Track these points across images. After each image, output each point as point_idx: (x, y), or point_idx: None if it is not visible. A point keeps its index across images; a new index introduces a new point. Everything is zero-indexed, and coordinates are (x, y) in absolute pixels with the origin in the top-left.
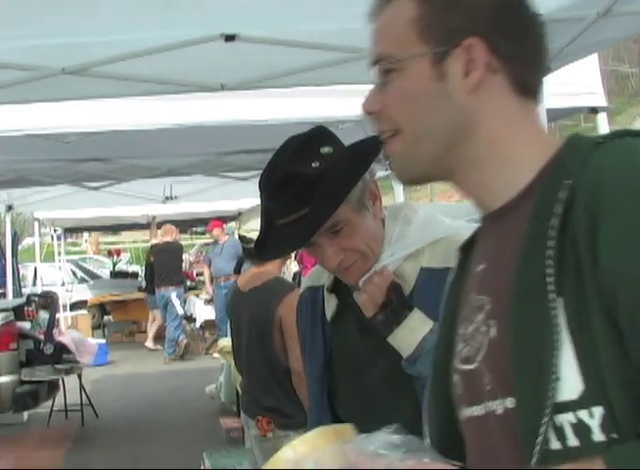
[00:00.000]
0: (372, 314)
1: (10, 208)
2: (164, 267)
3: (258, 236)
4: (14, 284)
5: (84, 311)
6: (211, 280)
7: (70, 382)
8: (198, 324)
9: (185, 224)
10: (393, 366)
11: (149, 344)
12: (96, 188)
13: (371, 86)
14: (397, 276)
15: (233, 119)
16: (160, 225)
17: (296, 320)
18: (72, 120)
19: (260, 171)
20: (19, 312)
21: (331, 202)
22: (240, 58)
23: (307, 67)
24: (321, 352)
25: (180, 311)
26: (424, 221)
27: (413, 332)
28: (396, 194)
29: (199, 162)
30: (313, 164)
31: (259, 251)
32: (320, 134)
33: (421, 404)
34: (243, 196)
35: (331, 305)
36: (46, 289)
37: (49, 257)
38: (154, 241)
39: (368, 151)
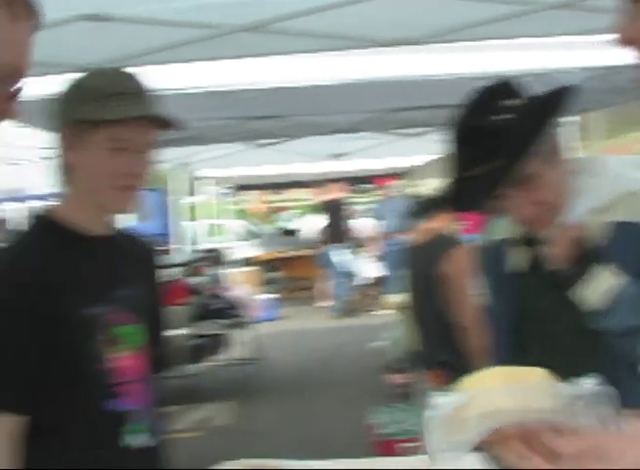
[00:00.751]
0: (561, 267)
1: (182, 165)
2: (332, 225)
3: (447, 189)
4: (182, 242)
5: (253, 268)
6: (379, 237)
7: (241, 336)
8: (364, 281)
9: (353, 182)
10: (579, 321)
11: (318, 300)
12: (267, 145)
13: (544, 40)
14: (587, 229)
15: (405, 75)
16: (328, 183)
17: (474, 274)
18: (249, 78)
19: (431, 128)
20: (189, 268)
21: (520, 154)
22: (414, 12)
23: (487, 20)
24: (511, 305)
25: (347, 268)
26: (615, 174)
27: (602, 285)
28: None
29: (369, 118)
30: (501, 117)
31: (450, 203)
32: (506, 86)
33: (605, 360)
34: (413, 153)
35: (518, 257)
36: (215, 246)
37: (218, 214)
38: (322, 198)
39: (556, 102)
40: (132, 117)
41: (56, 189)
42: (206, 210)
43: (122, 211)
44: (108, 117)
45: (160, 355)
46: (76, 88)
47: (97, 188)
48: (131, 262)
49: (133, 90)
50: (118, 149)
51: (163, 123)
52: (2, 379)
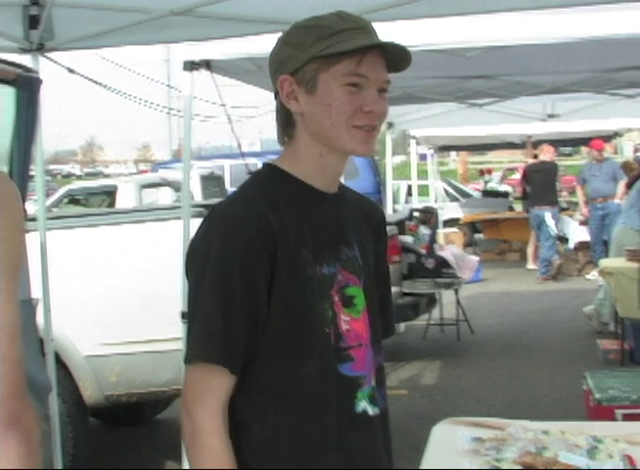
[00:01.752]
0: None
1: (390, 125)
2: (540, 187)
3: None
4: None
5: (456, 229)
6: (586, 201)
7: (446, 297)
8: (571, 245)
9: (563, 144)
10: None
11: (524, 263)
12: (478, 105)
13: None
14: None
15: (623, 33)
16: (535, 145)
17: None
18: (470, 36)
19: None
20: (401, 227)
21: None
22: None
23: None
24: None
25: (554, 232)
26: None
27: None
28: None
29: (584, 78)
30: None
31: None
32: None
33: None
34: (625, 115)
35: None
36: (429, 205)
37: (423, 174)
38: (530, 160)
39: None
40: (372, 45)
41: (268, 148)
42: (410, 170)
43: (362, 152)
44: (348, 47)
45: (385, 322)
46: (299, 31)
47: (333, 130)
48: (357, 222)
49: (364, 25)
50: (357, 85)
51: (398, 58)
52: (225, 334)
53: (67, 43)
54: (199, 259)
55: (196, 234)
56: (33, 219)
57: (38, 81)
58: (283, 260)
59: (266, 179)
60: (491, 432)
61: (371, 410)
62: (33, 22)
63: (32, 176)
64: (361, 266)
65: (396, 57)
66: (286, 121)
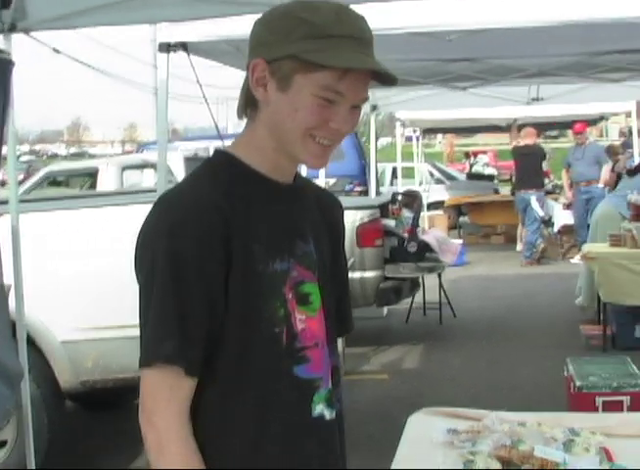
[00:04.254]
0: None
1: (374, 107)
2: (525, 170)
3: None
4: (372, 183)
5: (440, 212)
6: (570, 185)
7: (429, 280)
8: (556, 229)
9: (547, 127)
10: None
11: (508, 247)
12: (462, 88)
13: None
14: None
15: (608, 17)
16: (520, 128)
17: None
18: (452, 18)
19: (629, 74)
20: (383, 210)
21: None
22: None
23: None
24: None
25: (540, 215)
26: None
27: None
28: None
29: (569, 62)
30: None
31: None
32: None
33: None
34: (610, 99)
35: None
36: (413, 188)
37: (407, 157)
38: (514, 143)
39: None
40: (363, 69)
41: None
42: (396, 152)
43: (313, 167)
44: (334, 63)
45: (341, 319)
46: (289, 20)
47: (291, 135)
48: (314, 215)
49: (361, 34)
50: (329, 100)
51: (386, 80)
52: (172, 330)
53: (40, 23)
54: (147, 256)
55: (143, 226)
56: (5, 202)
57: (9, 63)
58: (235, 255)
59: (219, 167)
60: (467, 423)
61: (328, 414)
62: (4, 1)
63: (4, 158)
64: (316, 262)
65: (383, 76)
66: (248, 101)
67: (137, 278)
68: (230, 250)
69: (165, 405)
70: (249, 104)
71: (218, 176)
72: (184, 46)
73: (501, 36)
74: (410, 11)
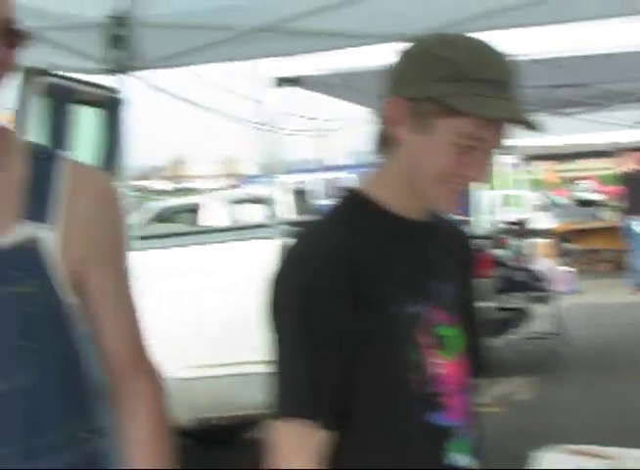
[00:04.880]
0: None
1: None
2: (633, 196)
3: None
4: (479, 212)
5: (547, 239)
6: None
7: (540, 310)
8: None
9: None
10: None
11: (617, 273)
12: (568, 114)
13: None
14: None
15: None
16: (629, 152)
17: None
18: (555, 46)
19: None
20: (493, 240)
21: None
22: None
23: None
24: None
25: None
26: None
27: None
28: None
29: None
30: None
31: None
32: None
33: None
34: None
35: None
36: (519, 217)
37: (512, 184)
38: (622, 168)
39: None
40: (507, 118)
41: (354, 161)
42: (501, 180)
43: (443, 210)
44: (478, 111)
45: (478, 362)
46: (430, 58)
47: (426, 179)
48: (448, 253)
49: (505, 79)
50: (466, 146)
51: (527, 126)
52: (314, 387)
53: (151, 62)
54: (280, 303)
55: (276, 271)
56: None
57: (121, 102)
58: (368, 297)
59: (351, 208)
60: (600, 462)
61: (463, 462)
62: (118, 42)
63: None
64: (454, 303)
65: (525, 122)
66: (384, 138)
67: (268, 320)
68: (363, 292)
69: (295, 456)
70: (384, 140)
71: (350, 217)
72: (293, 80)
73: (612, 61)
74: (529, 38)
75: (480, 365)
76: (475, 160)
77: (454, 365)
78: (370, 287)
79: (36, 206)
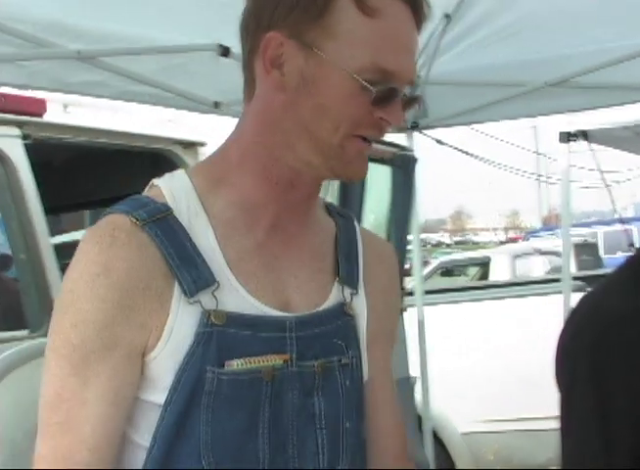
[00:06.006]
0: None
1: None
2: None
3: None
4: None
5: None
6: None
7: None
8: None
9: None
10: None
11: None
12: None
13: None
14: None
15: None
16: None
17: None
18: None
19: None
20: None
21: None
22: None
23: None
24: None
25: None
26: None
27: None
28: None
29: None
30: None
31: None
32: None
33: None
34: None
35: None
36: None
37: None
38: None
39: None
40: None
41: None
42: None
43: None
44: None
45: None
46: None
47: None
48: None
49: None
50: None
51: None
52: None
53: (439, 120)
54: (568, 364)
55: (562, 331)
56: (411, 293)
57: (414, 160)
58: None
59: None
60: None
61: None
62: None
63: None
64: None
65: None
66: None
67: (556, 383)
68: None
69: None
70: None
71: None
72: (584, 134)
73: None
74: None
75: None
76: None
77: None
78: None
79: (349, 269)
